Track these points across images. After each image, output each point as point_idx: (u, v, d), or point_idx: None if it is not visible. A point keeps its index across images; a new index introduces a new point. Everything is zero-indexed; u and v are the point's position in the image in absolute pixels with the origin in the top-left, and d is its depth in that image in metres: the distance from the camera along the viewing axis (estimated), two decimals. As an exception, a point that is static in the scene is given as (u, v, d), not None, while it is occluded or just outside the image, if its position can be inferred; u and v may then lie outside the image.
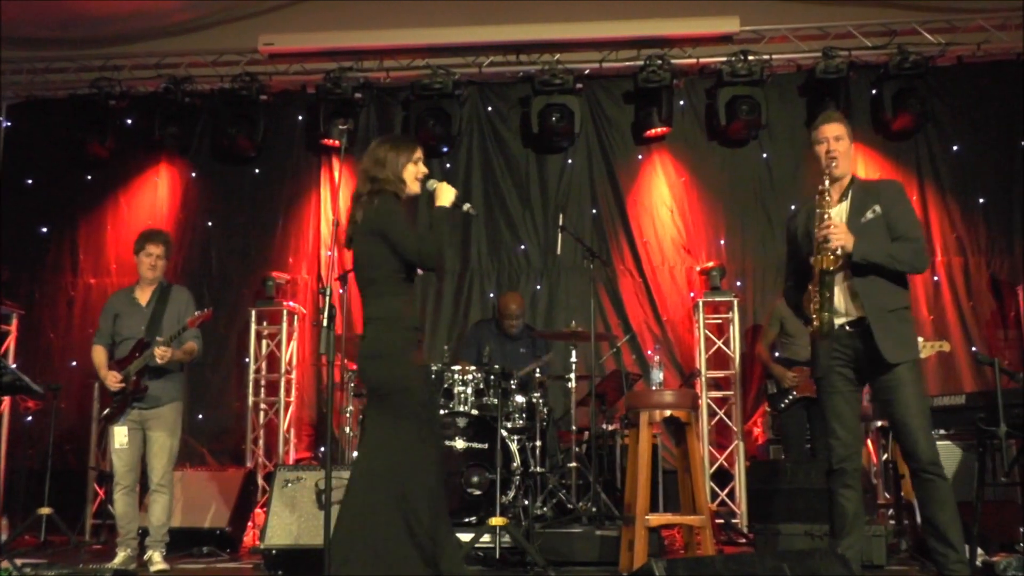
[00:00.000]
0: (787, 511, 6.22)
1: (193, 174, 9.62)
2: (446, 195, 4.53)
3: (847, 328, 4.68)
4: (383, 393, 4.37)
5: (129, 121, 9.50)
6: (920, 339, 5.54)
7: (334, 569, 4.09)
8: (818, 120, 4.88)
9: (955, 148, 9.06)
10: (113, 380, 6.22)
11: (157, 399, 6.28)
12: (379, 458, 4.29)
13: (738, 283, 9.02)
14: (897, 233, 4.67)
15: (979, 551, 5.41)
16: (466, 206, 4.70)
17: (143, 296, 6.48)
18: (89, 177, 9.61)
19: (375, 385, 4.40)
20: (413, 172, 4.55)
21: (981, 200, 8.98)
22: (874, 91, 9.11)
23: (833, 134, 4.76)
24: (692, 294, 8.94)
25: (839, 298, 4.66)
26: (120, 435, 6.23)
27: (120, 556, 6.23)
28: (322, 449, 8.87)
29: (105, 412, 6.36)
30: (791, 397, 7.42)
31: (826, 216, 4.63)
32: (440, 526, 4.26)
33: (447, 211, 4.52)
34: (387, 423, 4.34)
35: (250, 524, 7.61)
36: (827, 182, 4.73)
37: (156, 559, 6.22)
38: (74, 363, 9.15)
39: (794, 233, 4.96)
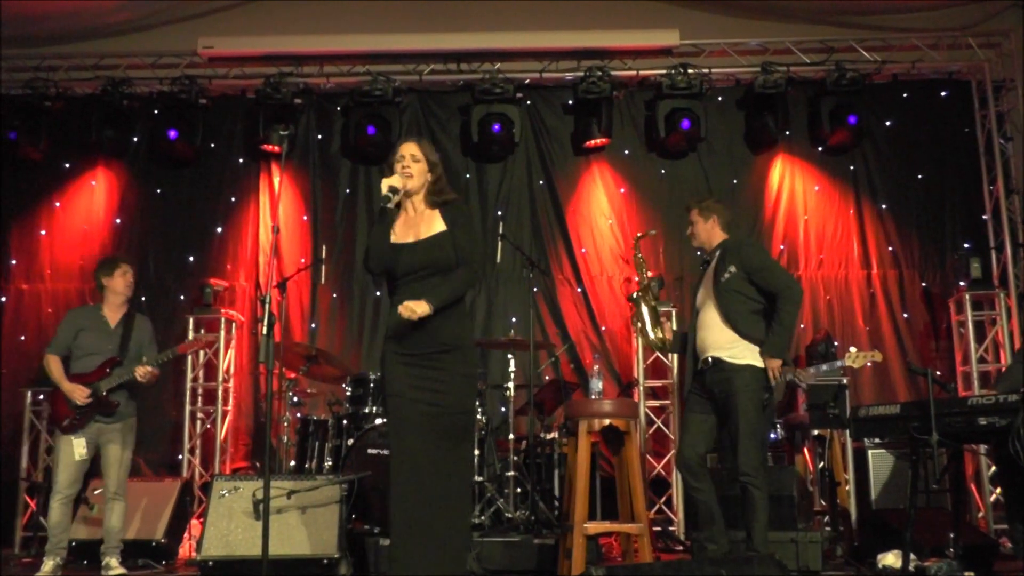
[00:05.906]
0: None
1: (131, 178, 9.47)
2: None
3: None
4: None
5: (65, 123, 9.32)
6: (853, 349, 5.74)
7: None
8: None
9: (890, 163, 9.23)
10: (82, 394, 6.23)
11: (121, 414, 6.36)
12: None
13: (676, 294, 9.07)
14: None
15: (912, 556, 5.51)
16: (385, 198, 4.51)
17: (112, 317, 6.57)
18: (22, 180, 9.38)
19: None
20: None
21: (915, 215, 9.17)
22: (812, 106, 9.24)
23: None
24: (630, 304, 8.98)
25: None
26: (79, 447, 6.24)
27: (48, 565, 6.16)
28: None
29: (65, 422, 6.27)
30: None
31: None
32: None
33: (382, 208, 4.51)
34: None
35: (186, 535, 7.49)
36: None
37: (113, 564, 6.29)
38: (3, 371, 8.92)
39: None
